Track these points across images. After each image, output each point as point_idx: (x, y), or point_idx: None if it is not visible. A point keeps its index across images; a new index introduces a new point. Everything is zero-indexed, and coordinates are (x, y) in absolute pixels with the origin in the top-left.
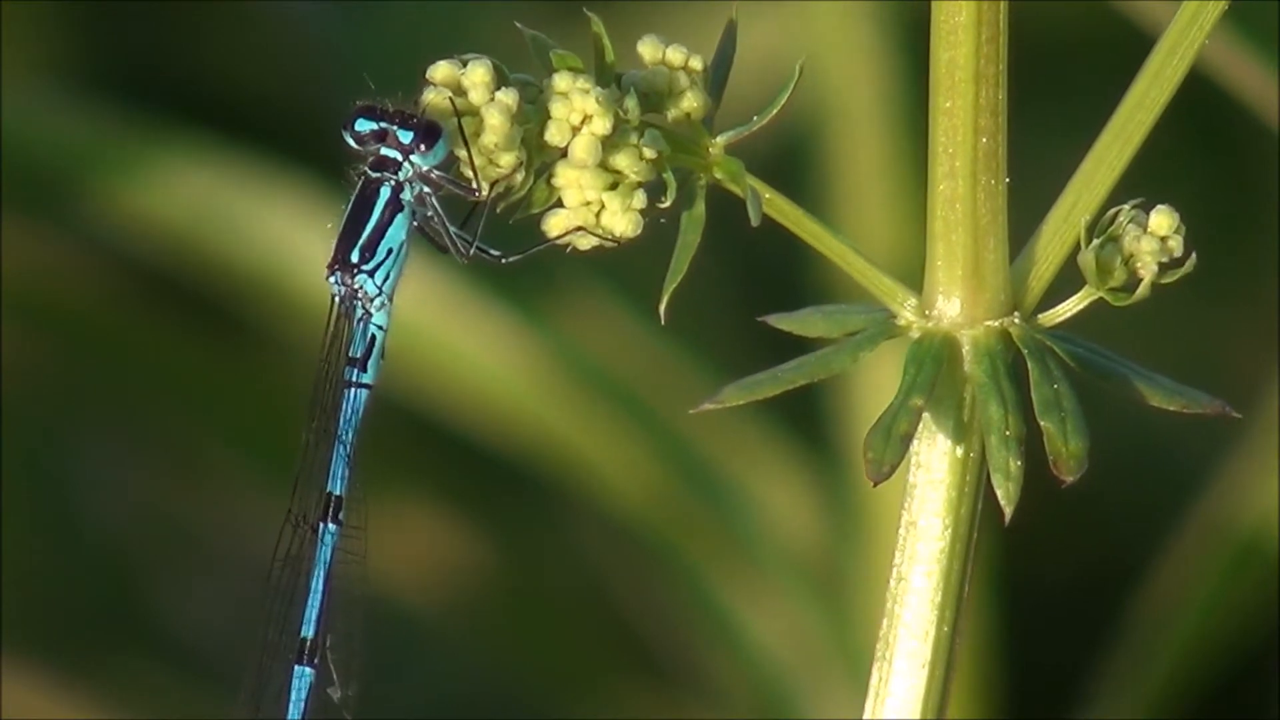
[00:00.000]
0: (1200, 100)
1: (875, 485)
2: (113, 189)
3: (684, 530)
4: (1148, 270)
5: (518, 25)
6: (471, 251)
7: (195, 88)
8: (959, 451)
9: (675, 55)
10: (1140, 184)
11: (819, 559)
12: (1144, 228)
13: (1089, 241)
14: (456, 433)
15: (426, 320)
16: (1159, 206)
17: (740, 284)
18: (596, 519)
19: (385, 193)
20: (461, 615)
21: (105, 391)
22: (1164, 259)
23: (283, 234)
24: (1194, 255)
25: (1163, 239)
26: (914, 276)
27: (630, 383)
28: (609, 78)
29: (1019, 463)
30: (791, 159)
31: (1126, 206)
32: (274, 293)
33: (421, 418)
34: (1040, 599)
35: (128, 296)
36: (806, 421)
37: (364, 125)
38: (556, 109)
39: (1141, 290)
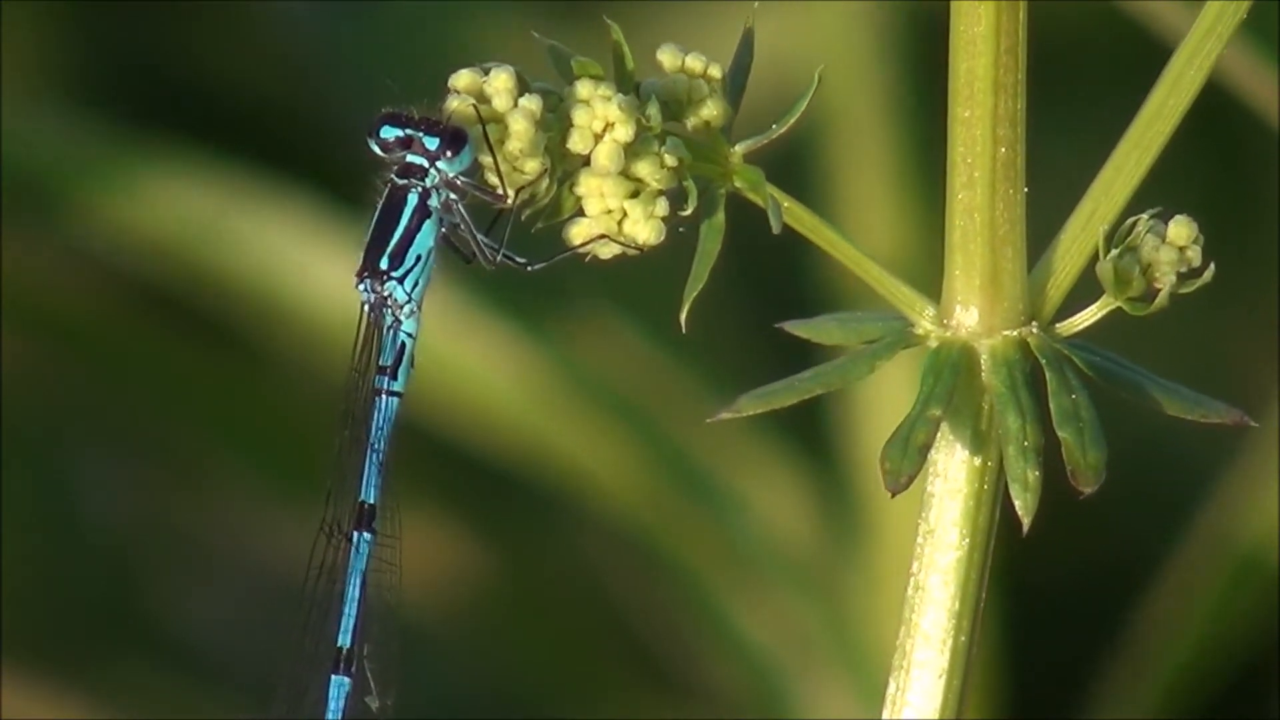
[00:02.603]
0: (1202, 103)
1: (893, 496)
2: (109, 201)
3: (684, 537)
4: (1166, 280)
5: (534, 34)
6: (498, 259)
7: (192, 91)
8: (977, 461)
9: (695, 63)
10: (1141, 187)
11: (818, 564)
12: (1162, 237)
13: (1107, 251)
14: (460, 443)
15: (429, 334)
16: (1177, 216)
17: (738, 292)
18: (598, 527)
19: (413, 199)
20: (464, 622)
21: (105, 398)
22: (1182, 269)
23: (279, 245)
24: (1212, 265)
25: (1181, 249)
26: (916, 281)
27: (629, 391)
28: (629, 85)
29: (1037, 473)
30: (793, 163)
31: (1145, 216)
32: (271, 303)
33: (426, 429)
34: (1044, 602)
35: (127, 305)
36: (806, 427)
37: (389, 132)
38: (579, 116)
39: (1160, 300)
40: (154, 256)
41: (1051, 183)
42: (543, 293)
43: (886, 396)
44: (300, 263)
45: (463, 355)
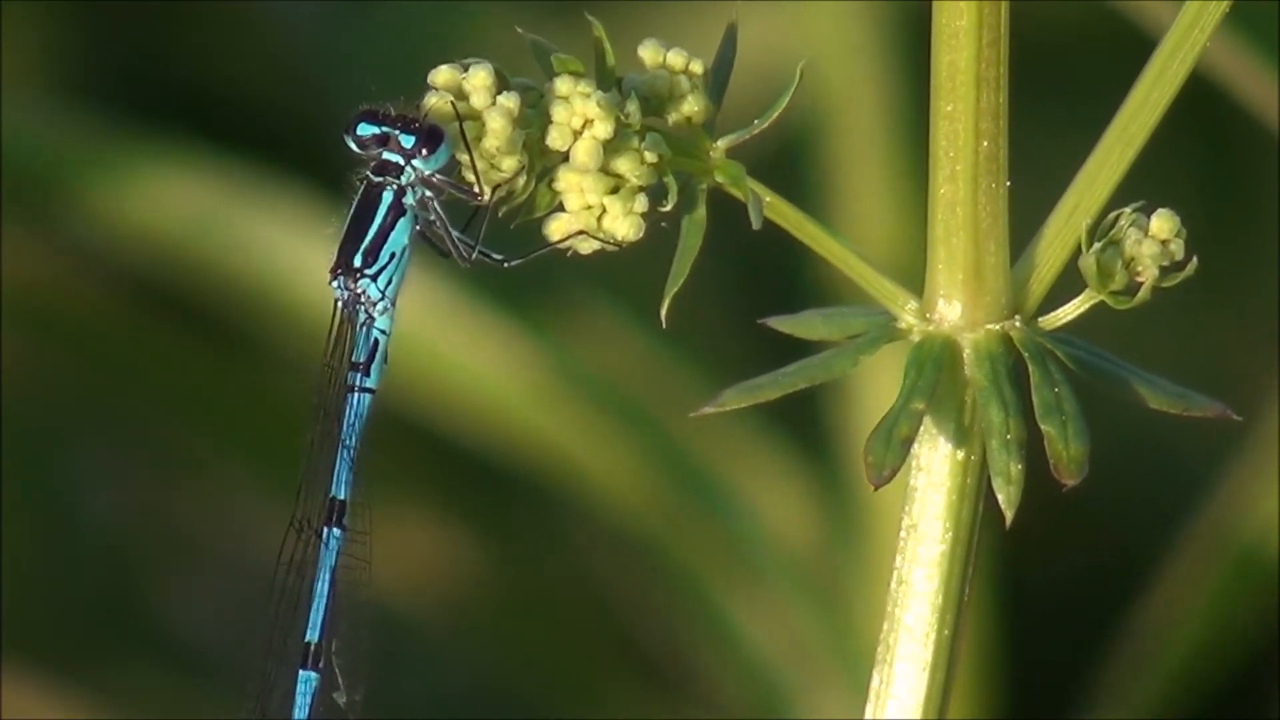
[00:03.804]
0: (1198, 100)
1: (876, 489)
2: (107, 197)
3: (681, 535)
4: (1149, 274)
5: (518, 30)
6: (474, 255)
7: (192, 91)
8: (960, 455)
9: (676, 59)
10: (1137, 184)
11: (816, 563)
12: (1145, 231)
13: (1090, 245)
14: (454, 440)
15: (423, 329)
16: (1160, 210)
17: (734, 287)
18: (595, 524)
19: (388, 197)
20: (459, 621)
21: (105, 397)
22: (1165, 262)
23: (276, 242)
24: (1195, 259)
25: (1164, 242)
26: (909, 277)
27: (626, 388)
28: (610, 81)
29: (1020, 466)
30: (786, 160)
31: (1127, 210)
32: (268, 300)
33: (419, 425)
34: (1039, 600)
35: (127, 304)
36: (802, 425)
37: (366, 129)
38: (558, 113)
39: (1143, 294)
40: (153, 252)
41: (1036, 177)
42: (537, 287)
43: (888, 397)
44: (298, 259)
45: (457, 350)
